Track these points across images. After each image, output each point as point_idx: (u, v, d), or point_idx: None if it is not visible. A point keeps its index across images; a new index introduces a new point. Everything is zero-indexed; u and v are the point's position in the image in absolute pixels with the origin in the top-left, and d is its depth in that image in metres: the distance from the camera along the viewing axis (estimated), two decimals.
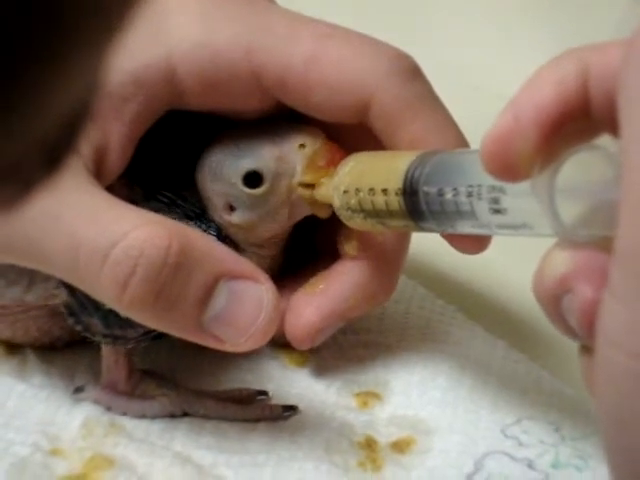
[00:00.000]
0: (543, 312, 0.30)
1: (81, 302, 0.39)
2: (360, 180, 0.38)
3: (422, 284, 0.46)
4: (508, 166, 0.30)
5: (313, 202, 0.40)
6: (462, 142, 0.39)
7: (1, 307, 0.41)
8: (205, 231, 0.40)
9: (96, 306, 0.39)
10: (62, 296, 0.40)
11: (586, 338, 0.28)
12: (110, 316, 0.39)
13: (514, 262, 0.44)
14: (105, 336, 0.39)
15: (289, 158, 0.39)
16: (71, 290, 0.39)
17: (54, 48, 0.18)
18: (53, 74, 0.18)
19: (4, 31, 0.17)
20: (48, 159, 0.20)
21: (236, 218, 0.40)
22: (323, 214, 0.40)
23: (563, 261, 0.29)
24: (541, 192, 0.30)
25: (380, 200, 0.37)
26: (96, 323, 0.39)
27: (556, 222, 0.30)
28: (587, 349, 0.29)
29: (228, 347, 0.37)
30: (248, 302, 0.37)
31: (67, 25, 0.18)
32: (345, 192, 0.38)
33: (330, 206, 0.39)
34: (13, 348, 0.43)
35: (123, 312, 0.37)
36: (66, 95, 0.19)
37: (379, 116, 0.39)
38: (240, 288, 0.37)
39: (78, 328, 0.40)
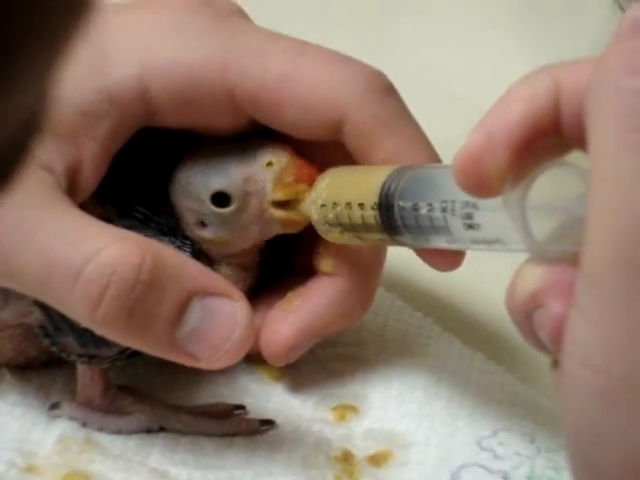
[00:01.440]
0: (515, 326, 0.30)
1: (55, 323, 0.39)
2: (337, 194, 0.38)
3: (400, 297, 0.47)
4: (480, 182, 0.30)
5: (282, 221, 0.40)
6: (434, 159, 0.40)
7: None
8: (180, 247, 0.40)
9: (71, 326, 0.39)
10: (37, 315, 0.40)
11: (556, 353, 0.29)
12: (85, 335, 0.39)
13: (492, 275, 0.45)
14: (81, 355, 0.39)
15: (257, 177, 0.39)
16: (46, 311, 0.39)
17: None
18: None
19: None
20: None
21: (208, 234, 0.40)
22: (293, 230, 0.40)
23: (534, 277, 0.29)
24: (513, 208, 0.30)
25: (357, 214, 0.37)
26: (71, 343, 0.39)
27: (528, 238, 0.30)
28: (558, 363, 0.29)
29: (203, 364, 0.37)
30: (222, 319, 0.37)
31: (7, 41, 0.17)
32: (322, 206, 0.38)
33: (301, 223, 0.40)
34: None
35: (96, 330, 0.37)
36: (11, 110, 0.19)
37: (353, 134, 0.39)
38: (214, 305, 0.37)
39: (54, 349, 0.40)
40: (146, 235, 0.38)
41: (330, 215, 0.38)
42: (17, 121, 0.19)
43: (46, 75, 0.19)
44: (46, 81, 0.19)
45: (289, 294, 0.42)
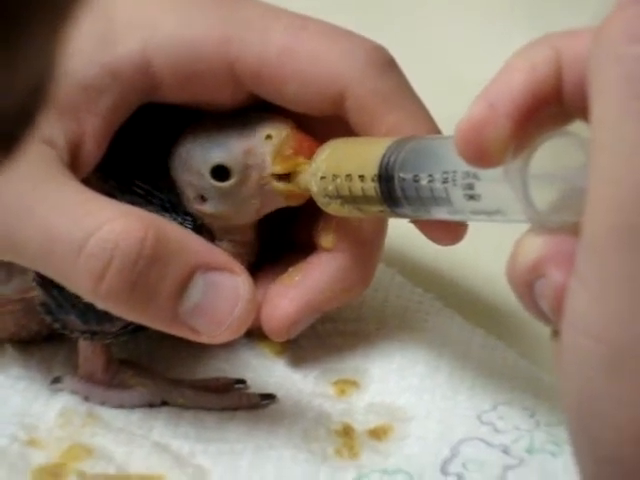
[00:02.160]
0: (516, 297, 0.30)
1: (57, 300, 0.39)
2: (337, 166, 0.38)
3: (400, 272, 0.47)
4: (482, 152, 0.30)
5: (284, 193, 0.40)
6: (435, 132, 0.40)
7: None
8: (181, 223, 0.40)
9: (72, 303, 0.39)
10: (38, 293, 0.40)
11: (557, 322, 0.29)
12: (87, 312, 0.39)
13: (492, 250, 0.45)
14: (83, 332, 0.40)
15: (257, 150, 0.39)
16: (46, 289, 0.39)
17: (1, 31, 0.18)
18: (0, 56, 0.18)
19: None
20: (1, 143, 0.20)
21: (208, 208, 0.40)
22: (295, 203, 0.40)
23: (536, 247, 0.29)
24: (514, 178, 0.30)
25: (357, 186, 0.37)
26: (73, 320, 0.39)
27: (529, 208, 0.30)
28: (558, 333, 0.29)
29: (204, 339, 0.37)
30: (224, 293, 0.37)
31: (12, 12, 0.17)
32: (322, 178, 0.38)
33: (303, 196, 0.40)
34: None
35: (99, 304, 0.37)
36: (17, 81, 0.19)
37: (354, 108, 0.39)
38: (216, 279, 0.37)
39: (56, 326, 0.40)
40: (148, 211, 0.38)
41: (330, 187, 0.38)
42: (23, 92, 0.19)
43: (51, 46, 0.19)
44: (51, 52, 0.19)
45: (290, 269, 0.42)
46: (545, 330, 0.31)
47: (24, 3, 0.18)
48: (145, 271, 0.36)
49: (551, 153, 0.30)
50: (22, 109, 0.20)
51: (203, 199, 0.40)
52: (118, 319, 0.38)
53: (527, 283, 0.30)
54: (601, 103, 0.27)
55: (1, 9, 0.17)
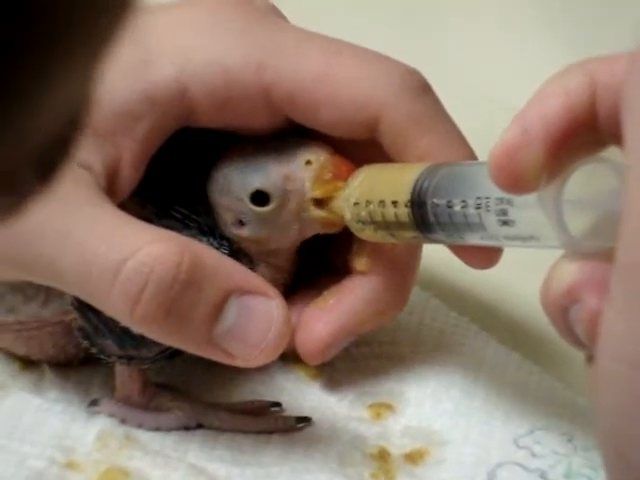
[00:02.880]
0: (550, 323, 0.30)
1: (94, 325, 0.39)
2: (370, 192, 0.38)
3: (436, 296, 0.47)
4: (516, 178, 0.30)
5: (321, 220, 0.40)
6: (471, 156, 0.40)
7: (17, 323, 0.41)
8: (218, 247, 0.40)
9: (109, 328, 0.39)
10: (76, 317, 0.40)
11: (592, 348, 0.29)
12: (124, 337, 0.39)
13: (528, 273, 0.44)
14: (120, 357, 0.40)
15: (296, 175, 0.40)
16: (84, 313, 0.39)
17: (41, 60, 0.18)
18: (41, 85, 0.18)
19: None
20: (41, 171, 0.20)
21: (246, 233, 0.41)
22: (332, 230, 0.40)
23: (570, 272, 0.29)
24: (548, 204, 0.30)
25: (390, 212, 0.37)
26: (110, 345, 0.40)
27: (563, 234, 0.30)
28: (593, 359, 0.29)
29: (239, 362, 0.38)
30: (258, 317, 0.37)
31: (54, 36, 0.18)
32: (356, 204, 0.39)
33: (340, 224, 0.40)
34: (30, 363, 0.43)
35: (135, 328, 0.37)
36: (56, 107, 0.19)
37: (388, 132, 0.39)
38: (250, 303, 0.37)
39: (93, 351, 0.40)
40: (185, 235, 0.39)
41: (363, 213, 0.38)
42: (61, 119, 0.20)
43: (89, 75, 0.19)
44: (88, 79, 0.19)
45: (324, 293, 0.42)
46: (581, 354, 0.30)
47: (61, 31, 0.18)
48: (180, 295, 0.36)
49: (585, 179, 0.30)
50: (60, 138, 0.20)
51: (241, 223, 0.41)
52: (155, 344, 0.39)
53: (561, 308, 0.30)
54: (635, 129, 0.27)
55: (39, 39, 0.18)
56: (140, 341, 0.39)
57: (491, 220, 0.33)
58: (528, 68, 0.56)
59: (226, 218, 0.41)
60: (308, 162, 0.40)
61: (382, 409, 0.42)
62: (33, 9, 0.17)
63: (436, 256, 0.44)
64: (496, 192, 0.32)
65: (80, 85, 0.19)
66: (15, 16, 0.17)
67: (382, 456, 0.41)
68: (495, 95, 0.54)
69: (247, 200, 0.40)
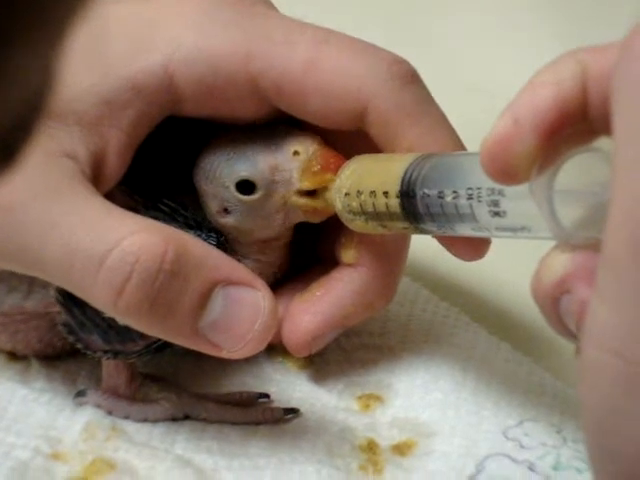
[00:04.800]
0: (541, 313, 0.30)
1: (79, 320, 0.39)
2: (361, 183, 0.38)
3: (425, 286, 0.46)
4: (507, 169, 0.30)
5: (304, 208, 0.40)
6: (459, 146, 0.39)
7: (1, 315, 0.41)
8: (205, 239, 0.40)
9: (95, 323, 0.39)
10: (61, 313, 0.40)
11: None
12: (110, 332, 0.39)
13: (518, 264, 0.44)
14: (106, 352, 0.40)
15: (284, 166, 0.39)
16: (68, 309, 0.39)
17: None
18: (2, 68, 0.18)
19: None
20: (3, 154, 0.20)
21: (230, 221, 0.40)
22: (316, 219, 0.40)
23: (561, 263, 0.29)
24: (540, 195, 0.30)
25: (381, 202, 0.37)
26: (96, 340, 0.39)
27: (554, 224, 0.30)
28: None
29: (225, 354, 0.37)
30: (244, 308, 0.37)
31: (6, 23, 0.18)
32: (347, 195, 0.38)
33: (323, 213, 0.39)
34: (16, 355, 0.43)
35: (119, 318, 0.37)
36: (15, 91, 0.19)
37: (376, 122, 0.39)
38: (236, 294, 0.37)
39: (79, 346, 0.40)
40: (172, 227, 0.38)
41: (354, 204, 0.38)
42: (20, 102, 0.19)
43: (49, 56, 0.19)
44: (49, 62, 0.19)
45: (311, 285, 0.42)
46: (572, 346, 0.30)
47: (25, 21, 0.18)
48: (165, 285, 0.36)
49: (577, 169, 0.30)
50: (20, 118, 0.20)
51: (226, 212, 0.40)
52: (141, 338, 0.38)
53: (553, 299, 0.30)
54: (623, 119, 0.27)
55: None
56: (126, 335, 0.38)
57: (482, 211, 0.33)
58: (518, 58, 0.55)
59: (211, 206, 0.40)
60: (296, 153, 0.39)
61: (371, 400, 0.42)
62: None
63: (426, 247, 0.44)
64: (487, 183, 0.32)
65: (41, 67, 0.19)
66: None
67: (371, 447, 0.40)
68: (483, 85, 0.53)
69: (233, 188, 0.40)
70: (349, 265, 0.42)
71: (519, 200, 0.32)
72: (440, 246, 0.40)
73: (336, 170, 0.39)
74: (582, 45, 0.31)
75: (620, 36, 0.28)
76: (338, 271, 0.42)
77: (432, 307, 0.46)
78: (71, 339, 0.40)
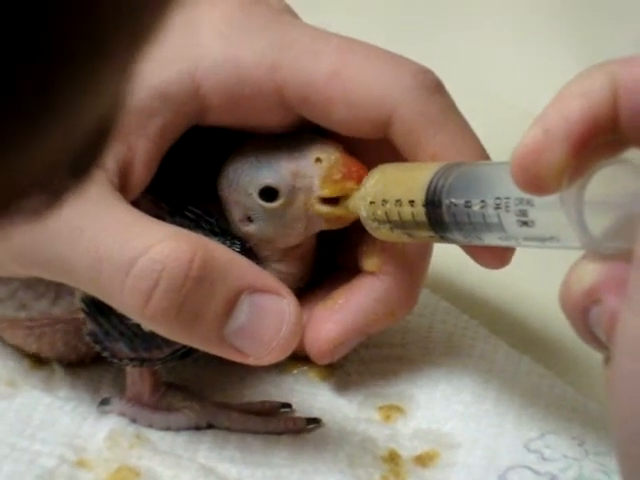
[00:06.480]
0: (569, 324, 0.30)
1: (105, 329, 0.39)
2: (386, 191, 0.38)
3: (446, 298, 0.46)
4: (537, 179, 0.30)
5: (325, 216, 0.40)
6: (483, 156, 0.39)
7: (29, 320, 0.41)
8: (230, 246, 0.40)
9: (120, 331, 0.39)
10: (86, 322, 0.40)
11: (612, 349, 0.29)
12: (136, 340, 0.39)
13: (538, 277, 0.45)
14: (132, 359, 0.40)
15: (306, 173, 0.39)
16: (94, 317, 0.39)
17: (86, 62, 0.18)
18: (84, 87, 0.18)
19: (42, 44, 0.17)
20: (75, 171, 0.20)
21: (253, 229, 0.40)
22: (337, 226, 0.40)
23: (591, 273, 0.29)
24: (569, 205, 0.30)
25: (407, 211, 0.37)
26: (122, 348, 0.39)
27: (584, 235, 0.30)
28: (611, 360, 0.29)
29: (250, 360, 0.37)
30: (270, 315, 0.37)
31: (100, 39, 0.18)
32: (372, 203, 0.38)
33: (345, 220, 0.39)
34: (40, 362, 0.43)
35: (146, 325, 0.37)
36: (94, 108, 0.19)
37: (401, 131, 0.39)
38: (262, 301, 0.37)
39: (105, 354, 0.40)
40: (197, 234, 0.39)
41: (379, 212, 0.38)
42: (97, 119, 0.19)
43: (125, 74, 0.19)
44: (125, 81, 0.19)
45: (333, 292, 0.42)
46: (593, 358, 0.30)
47: (109, 36, 0.18)
48: (192, 292, 0.36)
49: (607, 180, 0.30)
50: (92, 138, 0.20)
51: (250, 220, 0.40)
52: (167, 345, 0.39)
53: (581, 309, 0.30)
54: None
55: (91, 41, 0.18)
56: (151, 342, 0.39)
57: (510, 220, 0.33)
58: (542, 70, 0.56)
59: (235, 214, 0.41)
60: (318, 160, 0.39)
61: (392, 411, 0.42)
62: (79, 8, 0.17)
63: (447, 259, 0.44)
64: (516, 192, 0.32)
65: (116, 87, 0.19)
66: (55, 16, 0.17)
67: (392, 458, 0.40)
68: (507, 96, 0.53)
69: (256, 195, 0.40)
70: (371, 273, 0.42)
71: (548, 210, 0.32)
72: (460, 258, 0.40)
73: (358, 179, 0.39)
74: (601, 58, 0.31)
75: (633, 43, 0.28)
76: (360, 279, 0.42)
77: (452, 319, 0.46)
78: (98, 348, 0.40)
